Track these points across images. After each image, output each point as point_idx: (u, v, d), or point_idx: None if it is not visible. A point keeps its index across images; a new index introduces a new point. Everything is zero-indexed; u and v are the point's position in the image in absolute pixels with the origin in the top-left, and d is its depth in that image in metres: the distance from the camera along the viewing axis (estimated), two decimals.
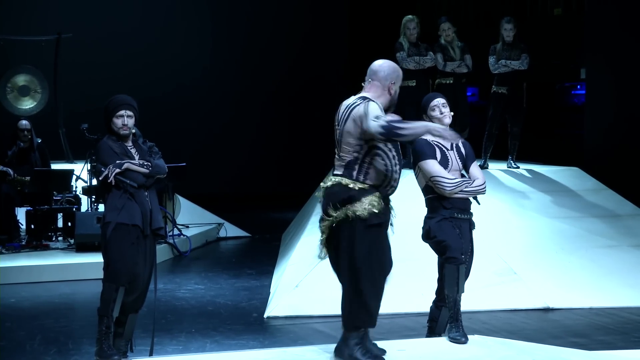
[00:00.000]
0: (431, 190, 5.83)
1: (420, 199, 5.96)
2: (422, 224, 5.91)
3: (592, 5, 12.19)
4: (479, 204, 5.97)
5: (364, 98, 5.20)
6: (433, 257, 5.92)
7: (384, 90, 5.27)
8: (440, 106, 5.95)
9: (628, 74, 11.59)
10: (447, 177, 5.77)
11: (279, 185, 16.96)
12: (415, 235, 5.96)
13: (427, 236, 5.86)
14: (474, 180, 5.86)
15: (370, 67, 5.33)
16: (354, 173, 5.17)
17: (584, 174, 10.23)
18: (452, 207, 5.78)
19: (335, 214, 5.13)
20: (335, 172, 5.24)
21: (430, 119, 5.91)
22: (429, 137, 5.89)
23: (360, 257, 5.11)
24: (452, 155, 5.89)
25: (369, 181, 5.17)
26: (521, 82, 10.13)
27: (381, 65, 5.30)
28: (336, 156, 5.25)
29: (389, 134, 4.99)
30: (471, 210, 5.90)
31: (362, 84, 5.37)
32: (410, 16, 10.33)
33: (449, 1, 16.34)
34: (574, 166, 10.46)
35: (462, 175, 5.92)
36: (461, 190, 5.79)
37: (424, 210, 5.93)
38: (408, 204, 6.74)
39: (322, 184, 5.29)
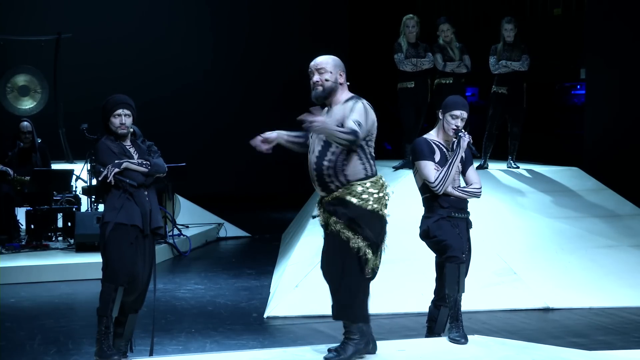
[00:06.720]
0: (428, 189, 5.81)
1: (419, 198, 5.95)
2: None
3: (592, 5, 12.19)
4: None
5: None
6: (433, 257, 5.92)
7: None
8: (462, 119, 5.85)
9: (628, 74, 11.60)
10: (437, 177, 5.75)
11: (279, 185, 16.93)
12: (415, 235, 5.95)
13: (425, 236, 5.83)
14: (471, 185, 5.86)
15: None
16: None
17: (584, 174, 10.22)
18: (449, 206, 5.76)
19: None
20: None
21: (443, 121, 5.86)
22: (431, 136, 5.87)
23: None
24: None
25: None
26: (521, 82, 10.11)
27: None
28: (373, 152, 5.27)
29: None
30: (468, 210, 5.89)
31: None
32: (410, 15, 10.31)
33: (449, 1, 16.34)
34: (574, 166, 10.44)
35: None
36: (455, 188, 5.77)
37: (422, 210, 5.92)
38: (407, 203, 6.74)
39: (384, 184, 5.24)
